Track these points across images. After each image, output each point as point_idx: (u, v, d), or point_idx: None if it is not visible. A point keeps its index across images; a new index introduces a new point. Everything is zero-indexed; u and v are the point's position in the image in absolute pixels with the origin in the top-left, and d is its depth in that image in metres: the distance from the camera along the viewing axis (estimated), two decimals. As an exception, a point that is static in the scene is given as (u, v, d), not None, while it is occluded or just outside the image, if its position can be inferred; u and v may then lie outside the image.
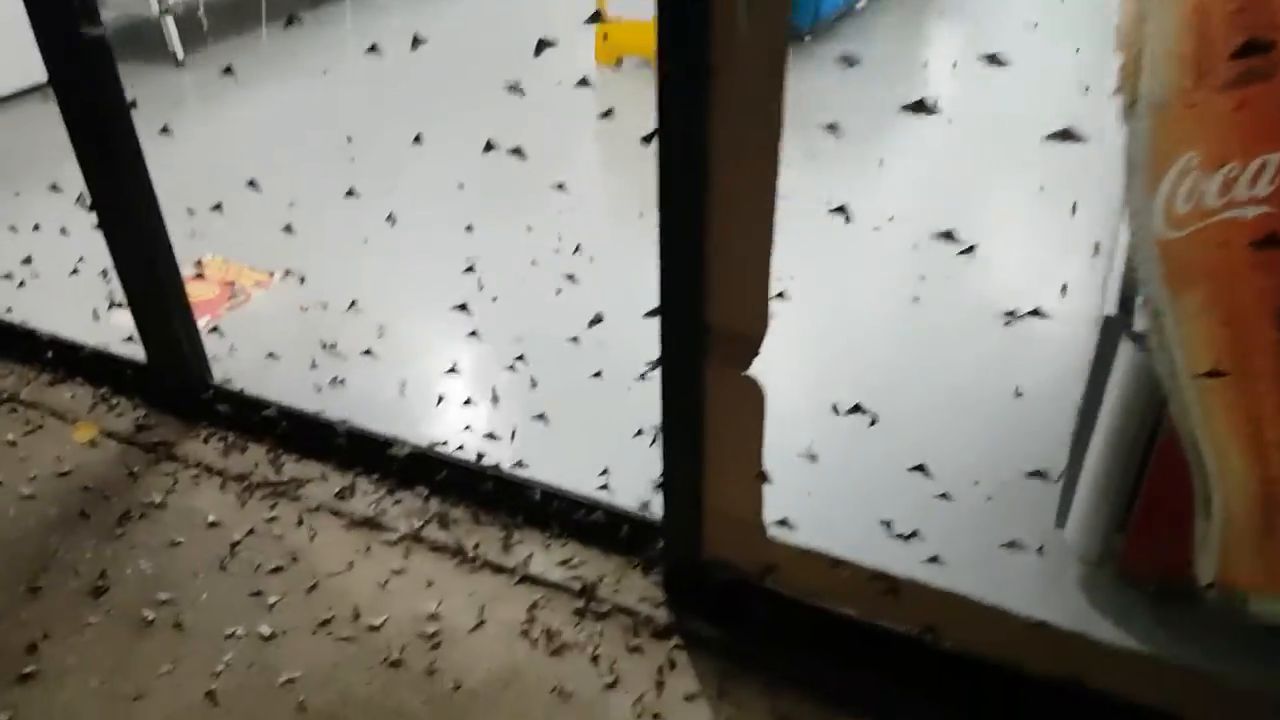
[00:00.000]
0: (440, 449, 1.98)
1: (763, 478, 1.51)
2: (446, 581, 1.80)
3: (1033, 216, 2.79)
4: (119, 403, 2.28)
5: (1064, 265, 2.52)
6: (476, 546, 1.86)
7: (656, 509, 1.72)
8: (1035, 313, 1.34)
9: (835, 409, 1.51)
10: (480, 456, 1.93)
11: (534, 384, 2.10)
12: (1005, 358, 2.28)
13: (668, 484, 1.62)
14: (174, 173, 2.04)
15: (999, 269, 2.61)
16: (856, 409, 1.49)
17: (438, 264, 2.71)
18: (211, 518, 1.96)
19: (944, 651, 1.50)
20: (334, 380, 2.23)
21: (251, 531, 1.92)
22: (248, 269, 2.78)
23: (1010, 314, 1.43)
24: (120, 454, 2.15)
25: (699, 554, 1.66)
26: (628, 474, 1.85)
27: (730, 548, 1.62)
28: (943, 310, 2.46)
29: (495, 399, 2.08)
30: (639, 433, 1.76)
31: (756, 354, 1.40)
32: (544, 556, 1.83)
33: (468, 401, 2.05)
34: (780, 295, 1.30)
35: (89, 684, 1.67)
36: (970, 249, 1.24)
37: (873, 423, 1.48)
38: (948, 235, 1.21)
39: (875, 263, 2.64)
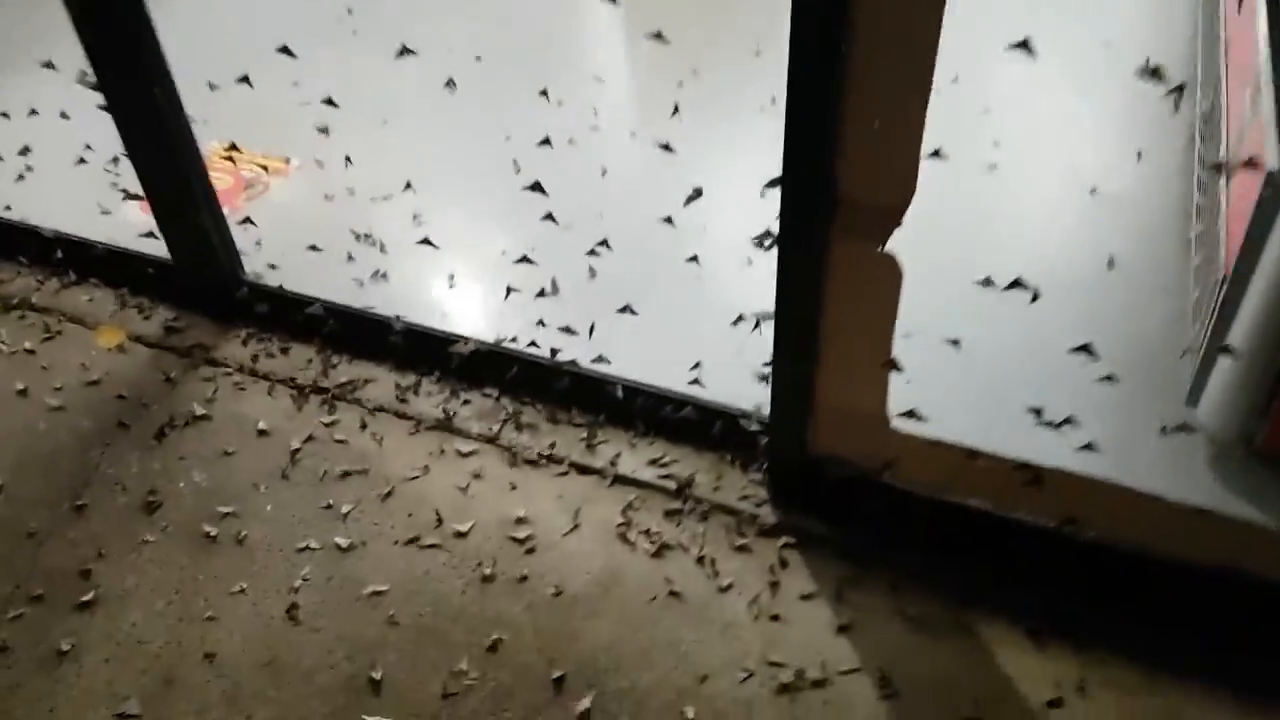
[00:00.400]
0: (508, 345, 1.82)
1: (891, 365, 1.38)
2: (531, 484, 1.68)
3: (1101, 75, 2.59)
4: (143, 304, 2.09)
5: (1140, 128, 2.35)
6: (554, 447, 1.74)
7: (757, 402, 1.59)
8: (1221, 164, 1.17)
9: (990, 281, 1.36)
10: (555, 352, 1.78)
11: (593, 274, 1.93)
12: (1090, 226, 2.13)
13: (776, 375, 1.49)
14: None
15: (1073, 133, 2.43)
16: (1016, 284, 1.34)
17: (468, 144, 2.50)
18: (263, 425, 1.82)
19: (1084, 542, 1.41)
20: (376, 274, 2.05)
21: (311, 438, 1.78)
22: (260, 155, 2.56)
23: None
24: (152, 359, 1.98)
25: (807, 449, 1.54)
26: (718, 367, 1.72)
27: (845, 441, 1.50)
28: (1021, 178, 2.29)
29: (555, 289, 1.91)
30: (739, 319, 1.61)
31: (898, 225, 1.24)
32: (631, 456, 1.71)
33: (541, 293, 1.88)
34: (936, 154, 1.13)
35: (154, 606, 1.55)
36: (1180, 88, 1.07)
37: (1035, 298, 1.33)
38: (1155, 73, 1.04)
39: (943, 127, 2.44)
